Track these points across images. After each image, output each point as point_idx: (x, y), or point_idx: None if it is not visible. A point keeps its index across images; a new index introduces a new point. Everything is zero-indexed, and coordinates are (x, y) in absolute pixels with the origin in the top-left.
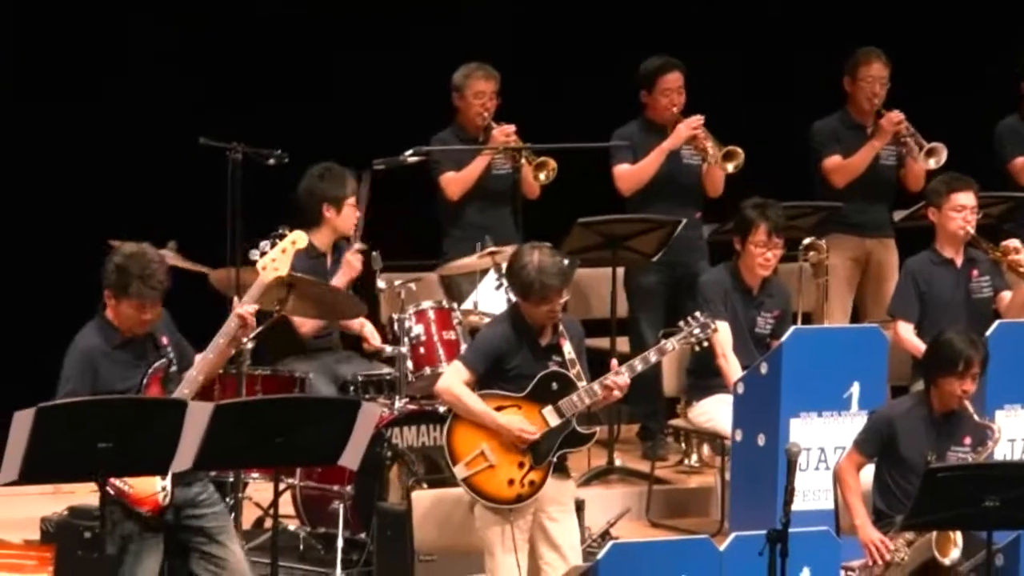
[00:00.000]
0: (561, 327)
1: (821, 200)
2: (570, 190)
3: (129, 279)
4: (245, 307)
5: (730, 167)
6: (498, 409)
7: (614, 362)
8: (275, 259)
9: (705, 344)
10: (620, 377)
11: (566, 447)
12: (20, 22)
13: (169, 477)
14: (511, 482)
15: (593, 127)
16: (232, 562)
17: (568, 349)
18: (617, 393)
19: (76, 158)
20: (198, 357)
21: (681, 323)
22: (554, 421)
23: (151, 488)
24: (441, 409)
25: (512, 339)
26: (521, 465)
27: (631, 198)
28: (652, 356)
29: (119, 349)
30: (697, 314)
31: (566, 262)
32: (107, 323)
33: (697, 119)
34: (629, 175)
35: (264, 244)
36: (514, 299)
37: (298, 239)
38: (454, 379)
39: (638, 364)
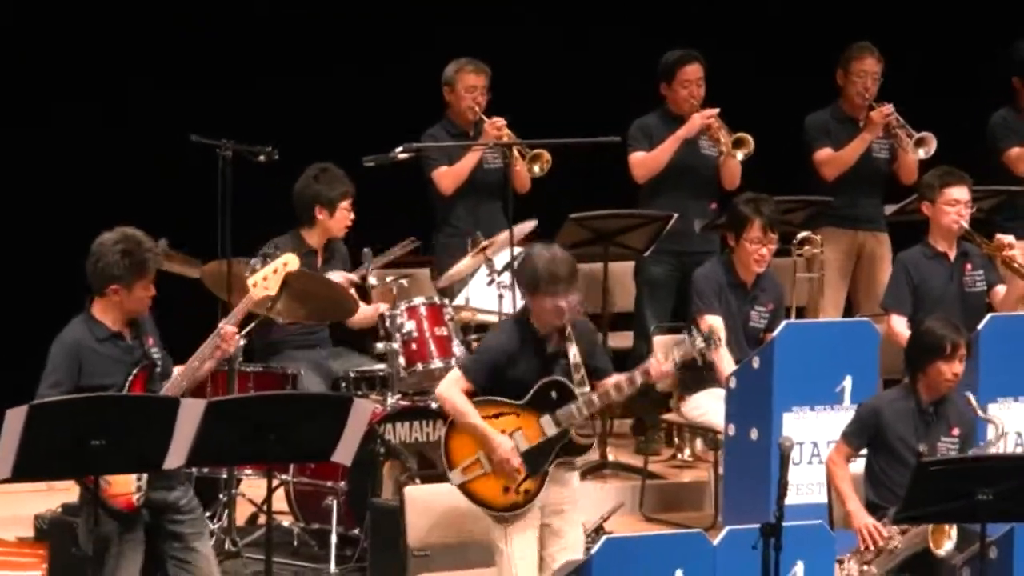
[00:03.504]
0: (568, 330)
1: (814, 193)
2: (561, 186)
3: (144, 256)
4: (228, 326)
5: (739, 155)
6: (496, 416)
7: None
8: (266, 278)
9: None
10: (614, 391)
11: (563, 456)
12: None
13: (144, 477)
14: (506, 490)
15: (588, 122)
16: (200, 563)
17: (574, 353)
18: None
19: (65, 156)
20: (177, 369)
21: (686, 336)
22: (551, 431)
23: (127, 486)
24: (433, 405)
25: (516, 346)
26: (517, 473)
27: (645, 187)
28: (641, 376)
29: (105, 342)
30: (703, 328)
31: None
32: (92, 318)
33: (712, 110)
34: (642, 162)
35: (255, 261)
36: (520, 302)
37: (290, 261)
38: (453, 388)
39: (639, 378)
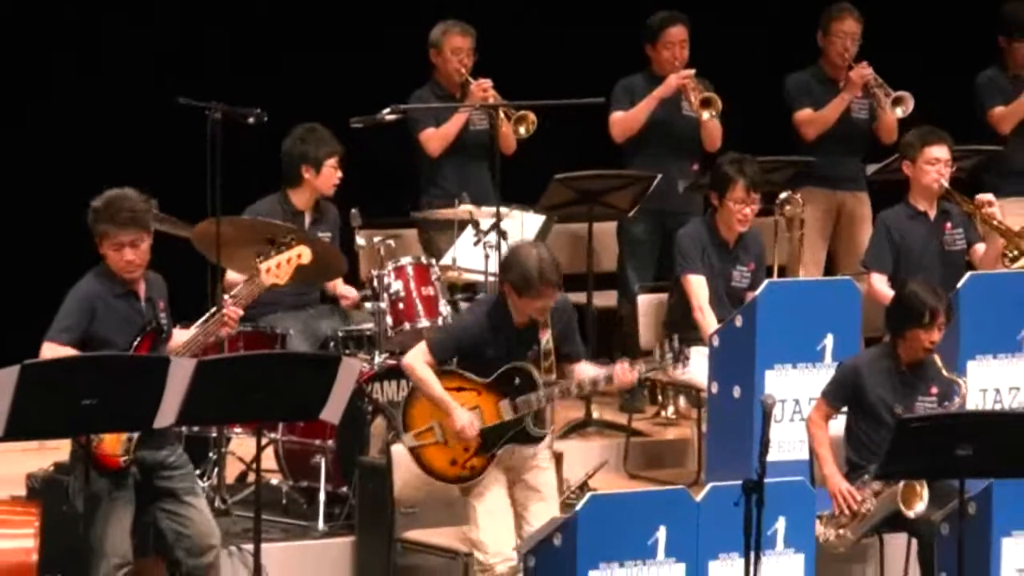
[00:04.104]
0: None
1: (796, 154)
2: (545, 147)
3: (95, 218)
4: (235, 308)
5: (706, 114)
6: (458, 390)
7: (576, 376)
8: (279, 265)
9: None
10: (576, 388)
11: (513, 442)
12: None
13: (134, 437)
14: (454, 462)
15: (574, 84)
16: (197, 520)
17: (547, 339)
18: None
19: (56, 119)
20: (180, 333)
21: (656, 351)
22: (508, 415)
23: (115, 446)
24: None
25: (487, 329)
26: (467, 449)
27: (625, 145)
28: (605, 380)
29: (119, 299)
30: (675, 343)
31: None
32: (108, 272)
33: (688, 71)
34: (619, 120)
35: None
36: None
37: (303, 254)
38: (419, 359)
39: (602, 382)
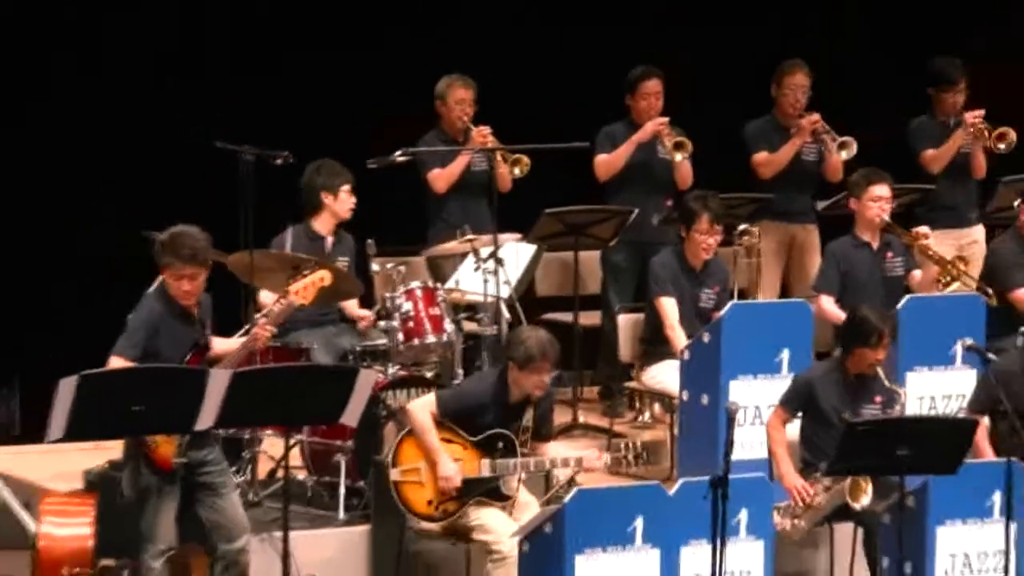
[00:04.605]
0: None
1: (755, 192)
2: (537, 185)
3: (161, 251)
4: (269, 326)
5: (678, 157)
6: (447, 441)
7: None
8: (306, 288)
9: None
10: (549, 463)
11: (484, 497)
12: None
13: (185, 439)
14: (430, 503)
15: (563, 129)
16: (231, 511)
17: (528, 418)
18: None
19: (56, 119)
20: (219, 341)
21: (622, 448)
22: (486, 472)
23: (170, 451)
24: (428, 375)
25: (488, 399)
26: (444, 493)
27: (608, 184)
28: (575, 462)
29: (176, 319)
30: (638, 447)
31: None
32: (167, 295)
33: (663, 118)
34: (604, 162)
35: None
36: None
37: (325, 277)
38: (423, 410)
39: (573, 463)
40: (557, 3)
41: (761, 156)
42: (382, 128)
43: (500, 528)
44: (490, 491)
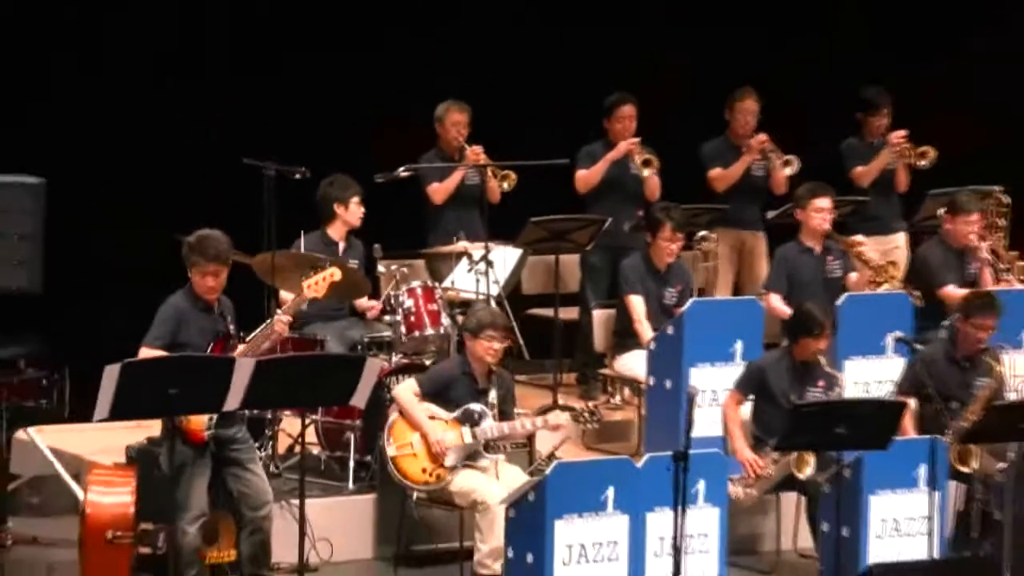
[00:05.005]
0: (495, 377)
1: (711, 203)
2: (523, 196)
3: (188, 251)
4: (285, 317)
5: (646, 172)
6: (431, 418)
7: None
8: (318, 283)
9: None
10: (522, 427)
11: (469, 461)
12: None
13: (214, 418)
14: (424, 470)
15: (574, 83)
16: (255, 481)
17: (493, 396)
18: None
19: (56, 119)
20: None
21: (579, 408)
22: (468, 439)
23: (201, 424)
24: (427, 362)
25: (457, 375)
26: (435, 461)
27: (586, 197)
28: (541, 422)
29: (200, 313)
30: (590, 406)
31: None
32: (192, 292)
33: (635, 139)
34: (583, 177)
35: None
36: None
37: (335, 273)
38: (407, 391)
39: (539, 423)
40: (557, 3)
41: (715, 172)
42: (382, 128)
43: (483, 487)
44: (473, 456)
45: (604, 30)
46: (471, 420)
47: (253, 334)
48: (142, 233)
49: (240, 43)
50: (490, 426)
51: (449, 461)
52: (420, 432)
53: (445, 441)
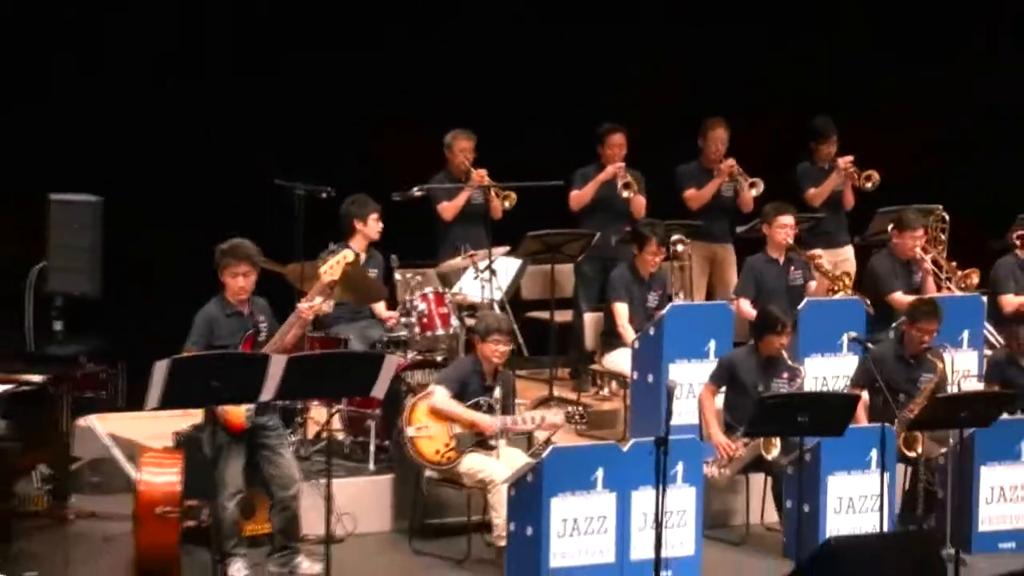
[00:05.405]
0: (499, 376)
1: (687, 219)
2: (523, 213)
3: (221, 255)
4: (306, 304)
5: (625, 194)
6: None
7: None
8: (332, 267)
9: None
10: (523, 423)
11: (476, 447)
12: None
13: (252, 407)
14: (438, 451)
15: (574, 83)
16: (284, 464)
17: (497, 394)
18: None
19: (56, 119)
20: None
21: (572, 410)
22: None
23: (240, 414)
24: (438, 359)
25: (471, 373)
26: (447, 444)
27: (579, 214)
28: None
29: (230, 317)
30: (581, 408)
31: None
32: (223, 299)
33: (620, 164)
34: (576, 196)
35: (324, 253)
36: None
37: (348, 255)
38: (444, 398)
39: (538, 418)
40: (557, 3)
41: (690, 192)
42: (382, 128)
43: (489, 467)
44: (481, 443)
45: (604, 30)
46: (481, 411)
47: (280, 327)
48: (143, 233)
49: (240, 43)
50: (499, 418)
51: (494, 442)
52: (469, 425)
53: (494, 425)
